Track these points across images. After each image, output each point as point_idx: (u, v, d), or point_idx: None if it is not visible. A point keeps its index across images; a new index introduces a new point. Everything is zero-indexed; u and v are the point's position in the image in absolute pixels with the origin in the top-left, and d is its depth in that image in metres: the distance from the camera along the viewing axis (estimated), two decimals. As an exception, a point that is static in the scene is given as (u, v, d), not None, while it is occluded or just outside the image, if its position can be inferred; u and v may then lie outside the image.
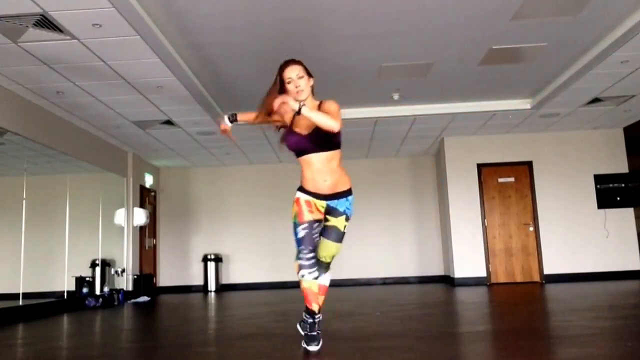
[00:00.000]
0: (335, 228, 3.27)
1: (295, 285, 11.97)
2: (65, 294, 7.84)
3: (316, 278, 3.34)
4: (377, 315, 5.45)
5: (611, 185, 9.70)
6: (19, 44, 5.17)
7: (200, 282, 11.09)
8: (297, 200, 3.28)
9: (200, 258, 11.15)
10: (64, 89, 6.48)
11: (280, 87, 3.23)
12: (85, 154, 8.23)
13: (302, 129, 3.20)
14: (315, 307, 3.37)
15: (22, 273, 6.77)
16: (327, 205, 3.26)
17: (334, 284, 11.98)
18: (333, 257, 3.35)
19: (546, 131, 9.83)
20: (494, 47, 6.02)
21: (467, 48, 6.04)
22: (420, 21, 5.30)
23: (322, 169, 3.19)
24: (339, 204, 3.25)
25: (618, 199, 9.65)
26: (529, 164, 9.91)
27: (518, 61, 6.51)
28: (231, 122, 3.46)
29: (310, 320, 3.39)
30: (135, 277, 9.60)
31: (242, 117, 3.50)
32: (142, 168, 10.49)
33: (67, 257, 7.89)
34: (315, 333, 3.39)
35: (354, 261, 11.08)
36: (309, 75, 3.25)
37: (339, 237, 3.29)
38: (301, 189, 3.30)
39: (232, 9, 4.90)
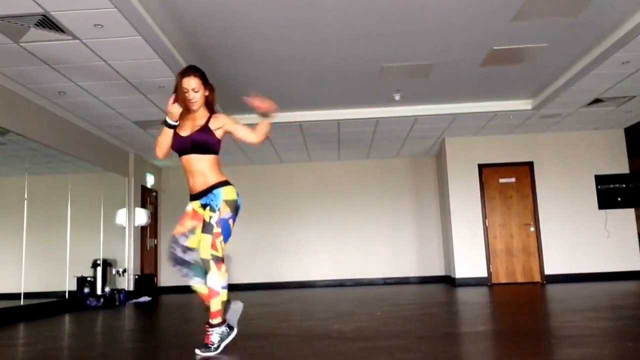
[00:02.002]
0: (204, 221, 3.42)
1: (296, 285, 11.97)
2: (67, 294, 7.85)
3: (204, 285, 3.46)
4: (378, 315, 5.45)
5: (612, 185, 9.71)
6: (20, 44, 5.18)
7: (201, 282, 11.07)
8: (186, 213, 3.52)
9: (201, 258, 11.14)
10: (65, 89, 6.49)
11: (176, 91, 3.44)
12: (87, 154, 8.24)
13: (184, 131, 3.44)
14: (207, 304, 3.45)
15: (23, 273, 6.78)
16: (202, 203, 3.45)
17: (336, 284, 12.04)
18: (207, 252, 3.33)
19: (547, 132, 9.83)
20: (495, 47, 6.03)
21: (468, 49, 6.04)
22: (421, 22, 5.31)
23: (192, 170, 3.42)
24: (208, 198, 3.43)
25: (619, 199, 9.65)
26: (529, 165, 9.91)
27: (519, 62, 6.51)
28: (168, 126, 3.50)
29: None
30: (136, 277, 9.61)
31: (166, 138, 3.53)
32: (144, 168, 10.50)
33: (69, 257, 7.90)
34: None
35: (355, 261, 11.10)
36: (206, 86, 3.47)
37: (207, 228, 3.38)
38: (189, 197, 3.52)
39: (233, 10, 4.91)
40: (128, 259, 9.64)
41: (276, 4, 4.83)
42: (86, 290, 8.30)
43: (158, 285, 10.97)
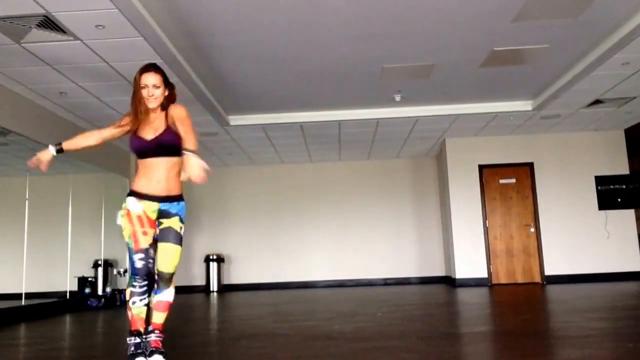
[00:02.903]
0: (171, 229, 3.11)
1: (297, 285, 11.94)
2: (68, 294, 7.86)
3: (147, 305, 3.13)
4: (379, 315, 5.46)
5: (612, 186, 9.72)
6: (22, 44, 5.19)
7: (203, 282, 11.11)
8: (129, 215, 3.06)
9: (203, 258, 11.16)
10: (66, 90, 6.51)
11: (136, 90, 3.15)
12: (88, 154, 8.24)
13: (146, 133, 3.13)
14: (142, 328, 3.11)
15: (24, 273, 6.79)
16: (160, 208, 3.11)
17: (337, 284, 12.03)
18: (175, 266, 3.15)
19: (547, 132, 9.84)
20: (495, 48, 6.04)
21: (469, 49, 6.05)
22: (422, 23, 5.32)
23: (160, 172, 3.11)
24: (172, 207, 3.13)
25: (619, 200, 9.66)
26: (530, 165, 9.92)
27: (519, 63, 6.52)
28: (57, 152, 3.18)
29: (137, 340, 3.07)
30: (137, 277, 9.60)
31: (70, 145, 3.21)
32: (144, 168, 10.50)
33: (70, 257, 7.91)
34: (141, 350, 3.07)
35: (356, 262, 11.11)
36: (167, 85, 3.18)
37: (178, 238, 3.13)
38: (132, 193, 3.11)
39: (234, 11, 4.92)
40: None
41: (277, 4, 4.84)
42: (87, 290, 8.31)
43: (159, 285, 10.97)
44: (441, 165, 10.68)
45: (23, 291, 6.75)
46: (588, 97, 7.71)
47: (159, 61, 5.61)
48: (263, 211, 11.38)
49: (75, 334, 5.25)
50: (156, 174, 3.11)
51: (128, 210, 3.07)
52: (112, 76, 6.11)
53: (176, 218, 3.14)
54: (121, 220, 3.11)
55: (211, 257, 11.01)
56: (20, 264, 6.79)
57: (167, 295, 3.17)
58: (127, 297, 3.11)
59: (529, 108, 8.26)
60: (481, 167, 9.96)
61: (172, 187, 3.15)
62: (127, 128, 3.19)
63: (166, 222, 3.12)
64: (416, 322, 4.86)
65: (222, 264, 11.08)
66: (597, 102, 7.98)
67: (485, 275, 9.67)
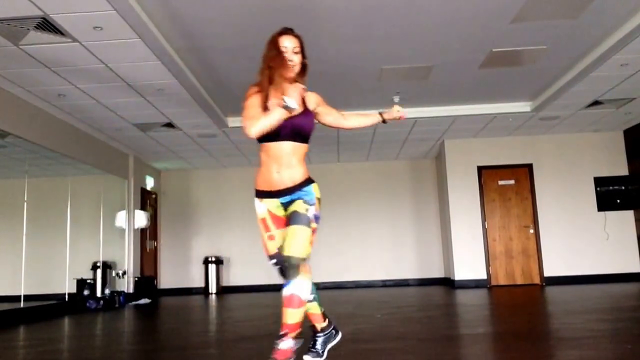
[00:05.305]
0: (295, 212, 2.73)
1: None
2: (67, 296, 7.85)
3: (311, 301, 2.98)
4: (378, 317, 5.45)
5: (611, 187, 9.71)
6: (20, 46, 5.19)
7: (201, 284, 11.11)
8: (263, 220, 2.82)
9: (201, 260, 11.16)
10: (65, 92, 6.50)
11: (270, 50, 2.79)
12: (87, 156, 8.24)
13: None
14: (317, 325, 3.19)
15: (23, 275, 6.79)
16: (280, 202, 2.80)
17: (336, 285, 11.99)
18: (300, 250, 2.66)
19: (546, 134, 9.84)
20: (494, 49, 6.04)
21: (468, 51, 6.05)
22: (420, 24, 5.32)
23: (283, 161, 2.76)
24: (293, 195, 2.78)
25: (618, 201, 9.66)
26: (529, 167, 9.92)
27: (518, 64, 6.52)
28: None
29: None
30: (136, 279, 9.61)
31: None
32: (143, 170, 10.51)
33: (69, 259, 7.90)
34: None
35: (355, 263, 11.10)
36: (303, 54, 2.86)
37: (302, 219, 2.70)
38: (256, 192, 2.84)
39: (232, 12, 4.92)
40: (128, 261, 9.64)
41: (275, 6, 4.83)
42: (86, 292, 8.31)
43: (158, 287, 10.97)
44: (440, 166, 10.67)
45: (22, 293, 6.74)
46: (587, 98, 7.71)
47: (156, 62, 5.63)
48: (262, 213, 11.35)
49: (74, 336, 5.24)
50: (282, 163, 2.75)
51: (261, 217, 2.82)
52: (110, 78, 6.10)
53: (299, 201, 2.76)
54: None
55: (210, 258, 11.00)
56: (19, 266, 6.78)
57: (294, 287, 2.67)
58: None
59: (528, 109, 8.26)
60: (480, 169, 9.96)
61: (298, 174, 2.79)
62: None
63: (291, 208, 2.77)
64: (415, 323, 4.86)
65: (220, 265, 11.08)
66: (596, 103, 7.98)
67: (485, 276, 9.67)
